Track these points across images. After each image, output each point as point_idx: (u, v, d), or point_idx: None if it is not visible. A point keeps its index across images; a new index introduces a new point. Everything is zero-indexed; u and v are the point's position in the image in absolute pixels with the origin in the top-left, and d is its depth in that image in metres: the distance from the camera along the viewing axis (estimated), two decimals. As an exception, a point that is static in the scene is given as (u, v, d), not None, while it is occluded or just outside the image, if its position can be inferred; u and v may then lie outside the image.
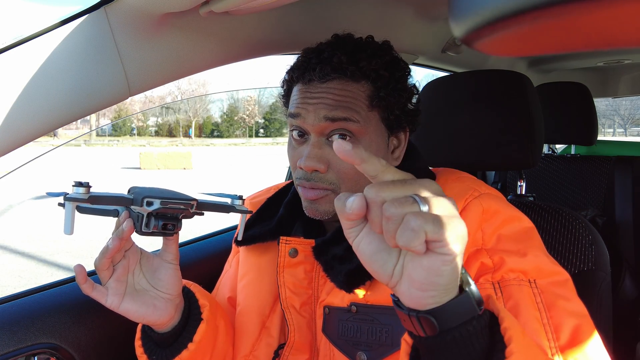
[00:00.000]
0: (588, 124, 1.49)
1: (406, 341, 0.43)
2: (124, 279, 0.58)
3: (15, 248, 4.94)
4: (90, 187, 0.51)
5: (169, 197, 0.53)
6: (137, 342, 0.65)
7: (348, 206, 0.37)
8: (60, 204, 0.51)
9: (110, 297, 0.57)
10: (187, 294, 0.65)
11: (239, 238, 0.66)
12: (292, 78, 0.65)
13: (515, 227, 0.58)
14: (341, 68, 0.60)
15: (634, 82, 2.38)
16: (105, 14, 0.59)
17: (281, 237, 0.66)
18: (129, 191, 0.57)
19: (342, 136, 0.61)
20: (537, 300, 0.52)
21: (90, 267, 0.61)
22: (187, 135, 50.07)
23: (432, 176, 0.67)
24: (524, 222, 0.60)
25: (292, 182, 0.77)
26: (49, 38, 0.55)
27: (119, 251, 0.56)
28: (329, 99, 0.60)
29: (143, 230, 0.54)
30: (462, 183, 0.63)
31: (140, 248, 0.61)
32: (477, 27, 0.23)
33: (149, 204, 0.52)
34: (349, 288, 0.58)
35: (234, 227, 1.22)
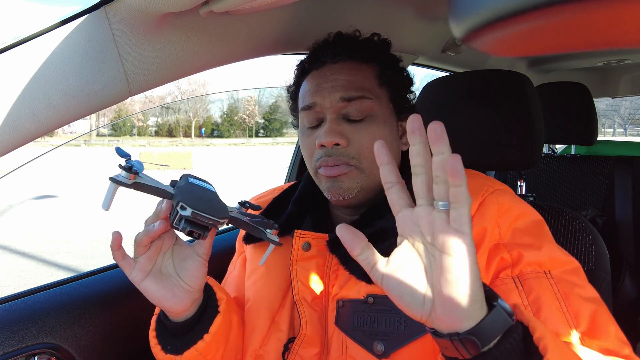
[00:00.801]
0: (588, 124, 1.49)
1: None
2: (154, 259, 0.59)
3: (15, 248, 4.94)
4: (137, 172, 0.52)
5: (202, 210, 0.53)
6: (152, 333, 0.65)
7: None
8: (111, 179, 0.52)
9: (135, 272, 0.58)
10: (205, 286, 0.66)
11: (260, 264, 0.67)
12: (304, 68, 0.70)
13: (527, 221, 0.60)
14: (352, 48, 0.66)
15: (634, 82, 2.38)
16: (105, 14, 0.59)
17: (295, 230, 0.67)
18: (181, 178, 0.59)
19: (358, 115, 0.64)
20: (554, 290, 0.54)
21: (89, 267, 0.61)
22: (199, 135, 49.97)
23: None
24: (535, 216, 0.62)
25: (298, 182, 0.79)
26: (49, 38, 0.55)
27: (162, 233, 0.58)
28: (343, 79, 0.65)
29: (173, 225, 0.55)
30: (475, 180, 0.64)
31: (177, 234, 0.61)
32: (477, 27, 0.23)
33: (182, 208, 0.52)
34: (370, 279, 0.59)
35: (234, 227, 1.22)
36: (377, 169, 0.59)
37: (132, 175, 0.52)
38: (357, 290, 0.61)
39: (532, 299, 0.53)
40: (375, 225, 0.62)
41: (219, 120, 53.46)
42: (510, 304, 0.42)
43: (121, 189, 0.53)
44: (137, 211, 7.15)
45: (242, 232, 0.79)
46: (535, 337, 0.40)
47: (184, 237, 0.58)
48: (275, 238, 0.63)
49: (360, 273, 0.59)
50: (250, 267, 0.75)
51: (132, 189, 0.53)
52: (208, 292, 0.65)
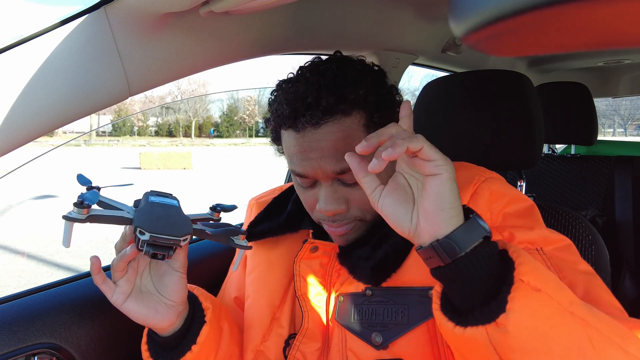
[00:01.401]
0: (588, 124, 1.49)
1: (436, 290, 0.48)
2: (133, 280, 0.60)
3: (15, 248, 4.94)
4: (89, 206, 0.53)
5: (160, 231, 0.53)
6: (144, 346, 0.66)
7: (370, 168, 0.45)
8: (64, 217, 0.52)
9: (116, 295, 0.59)
10: (190, 297, 0.66)
11: (234, 269, 0.68)
12: (281, 125, 0.62)
13: (518, 206, 0.62)
14: (331, 110, 0.57)
15: (633, 82, 2.38)
16: (105, 14, 0.59)
17: (308, 239, 0.68)
18: (143, 196, 0.58)
19: (352, 183, 0.61)
20: (547, 265, 0.55)
21: (89, 266, 0.61)
22: (208, 135, 49.84)
23: None
24: (526, 201, 0.63)
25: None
26: (49, 38, 0.55)
27: (134, 257, 0.59)
28: (330, 148, 0.58)
29: (138, 249, 0.56)
30: (467, 170, 0.66)
31: None
32: (477, 27, 0.23)
33: (141, 233, 0.53)
34: (376, 282, 0.60)
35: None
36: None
37: (85, 210, 0.52)
38: (356, 285, 0.62)
39: None
40: (380, 231, 0.63)
41: (219, 121, 53.48)
42: (496, 239, 0.47)
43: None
44: (137, 211, 7.15)
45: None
46: (511, 251, 0.44)
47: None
48: (244, 242, 0.62)
49: (366, 277, 0.60)
50: (250, 264, 0.75)
51: (88, 223, 0.53)
52: (194, 302, 0.66)
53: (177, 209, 0.58)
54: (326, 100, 0.57)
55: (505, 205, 0.61)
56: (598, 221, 1.41)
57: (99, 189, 0.58)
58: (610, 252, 0.83)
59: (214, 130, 50.94)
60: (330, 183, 0.61)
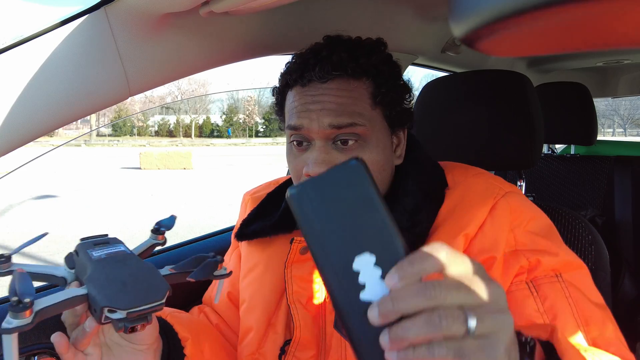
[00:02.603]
0: (587, 124, 1.49)
1: None
2: (99, 343, 0.51)
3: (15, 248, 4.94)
4: (32, 304, 0.39)
5: (138, 302, 0.41)
6: None
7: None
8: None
9: None
10: (164, 326, 0.60)
11: (216, 301, 0.60)
12: (288, 82, 0.62)
13: (541, 224, 0.60)
14: (342, 66, 0.58)
15: (633, 82, 2.38)
16: (105, 14, 0.59)
17: (295, 238, 0.65)
18: (77, 253, 0.46)
19: (345, 142, 0.58)
20: (566, 294, 0.54)
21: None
22: (227, 135, 49.46)
23: (440, 169, 0.67)
24: (546, 218, 0.61)
25: (289, 179, 0.78)
26: (49, 38, 0.55)
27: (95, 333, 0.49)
28: (332, 102, 0.58)
29: (103, 323, 0.42)
30: (484, 180, 0.63)
31: None
32: (477, 27, 0.23)
33: (112, 311, 0.40)
34: None
35: (233, 227, 1.22)
36: None
37: (28, 311, 0.38)
38: None
39: (548, 305, 0.54)
40: None
41: (219, 121, 53.50)
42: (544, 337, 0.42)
43: None
44: (136, 208, 7.15)
45: (235, 228, 0.77)
46: None
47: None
48: (223, 271, 0.51)
49: None
50: (246, 266, 0.73)
51: (35, 324, 0.39)
52: (170, 332, 0.60)
53: (132, 257, 0.46)
54: (338, 55, 0.58)
55: (528, 223, 0.59)
56: (598, 221, 1.41)
57: (9, 258, 0.43)
58: (610, 252, 0.83)
59: (231, 131, 50.33)
60: (323, 143, 0.58)
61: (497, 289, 0.32)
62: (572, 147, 2.00)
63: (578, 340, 0.52)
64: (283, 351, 0.64)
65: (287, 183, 0.77)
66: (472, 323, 0.29)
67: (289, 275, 0.64)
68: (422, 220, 0.58)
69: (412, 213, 0.59)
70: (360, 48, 0.61)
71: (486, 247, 0.57)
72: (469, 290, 0.31)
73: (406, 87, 0.65)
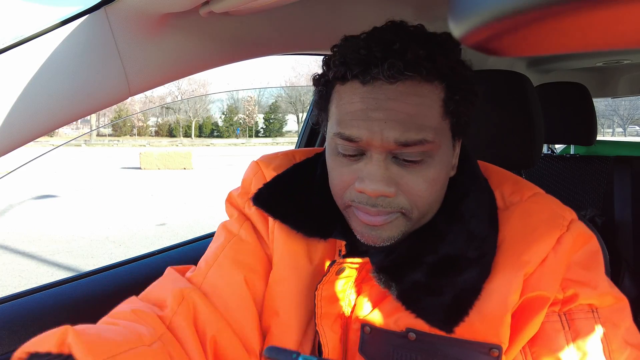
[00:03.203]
0: (587, 124, 1.49)
1: None
2: None
3: (15, 248, 4.94)
4: None
5: None
6: None
7: None
8: None
9: None
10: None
11: None
12: (346, 74, 0.49)
13: (587, 252, 0.52)
14: (417, 66, 0.47)
15: (633, 82, 2.38)
16: (105, 14, 0.59)
17: (337, 260, 0.55)
18: None
19: (410, 161, 0.49)
20: (599, 332, 0.50)
21: (89, 266, 0.60)
22: (236, 135, 49.20)
23: (489, 185, 0.58)
24: (594, 245, 0.53)
25: (314, 157, 0.65)
26: (49, 38, 0.55)
27: None
28: (401, 112, 0.47)
29: None
30: (545, 205, 0.54)
31: None
32: (477, 27, 0.23)
33: None
34: (450, 328, 0.48)
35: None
36: (427, 213, 0.52)
37: None
38: (394, 318, 0.52)
39: (579, 343, 0.49)
40: (438, 251, 0.51)
41: (219, 121, 53.49)
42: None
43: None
44: (136, 208, 7.15)
45: (240, 194, 0.65)
46: None
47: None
48: None
49: (438, 320, 0.49)
50: (282, 271, 0.59)
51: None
52: None
53: None
54: (414, 52, 0.46)
55: (576, 251, 0.52)
56: (597, 221, 1.41)
57: None
58: (610, 252, 0.83)
59: (240, 130, 49.89)
60: (384, 157, 0.49)
61: None
62: (572, 147, 2.00)
63: None
64: None
65: (309, 163, 0.64)
66: None
67: (319, 297, 0.55)
68: (489, 251, 0.51)
69: (480, 240, 0.51)
70: (436, 44, 0.49)
71: (542, 285, 0.50)
72: None
73: (476, 94, 0.54)
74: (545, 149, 2.22)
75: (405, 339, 0.50)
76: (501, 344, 0.48)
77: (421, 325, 0.50)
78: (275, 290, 0.59)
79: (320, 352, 0.56)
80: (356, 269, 0.55)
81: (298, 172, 0.62)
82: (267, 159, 0.66)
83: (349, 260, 0.54)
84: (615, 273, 1.36)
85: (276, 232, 0.60)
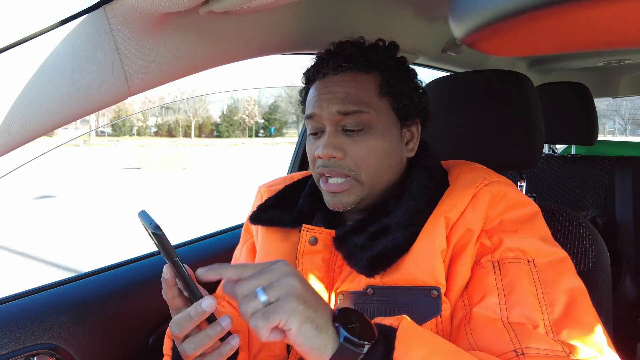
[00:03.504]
0: (588, 124, 1.49)
1: None
2: None
3: (15, 248, 4.94)
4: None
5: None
6: (168, 349, 0.64)
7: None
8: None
9: None
10: None
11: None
12: (309, 77, 0.71)
13: (519, 212, 0.61)
14: (352, 59, 0.66)
15: (634, 82, 2.38)
16: (104, 14, 0.59)
17: (303, 225, 0.68)
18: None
19: (355, 127, 0.64)
20: (534, 278, 0.55)
21: (88, 267, 0.60)
22: (270, 133, 48.92)
23: (445, 175, 0.70)
24: (530, 208, 0.62)
25: (309, 175, 0.81)
26: (48, 38, 0.55)
27: None
28: (341, 92, 0.65)
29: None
30: (473, 173, 0.66)
31: None
32: (478, 27, 0.23)
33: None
34: (371, 273, 0.60)
35: (236, 227, 1.22)
36: (376, 179, 0.66)
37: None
38: (357, 282, 0.62)
39: (507, 281, 0.55)
40: (381, 222, 0.64)
41: (219, 121, 53.48)
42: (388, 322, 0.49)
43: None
44: (136, 207, 7.14)
45: (247, 218, 0.80)
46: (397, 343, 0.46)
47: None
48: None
49: (361, 267, 0.61)
50: (261, 256, 0.74)
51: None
52: None
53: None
54: (349, 50, 0.67)
55: (505, 210, 0.61)
56: (598, 221, 1.41)
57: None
58: (611, 252, 0.83)
59: (273, 128, 48.89)
60: (333, 129, 0.65)
61: (278, 268, 0.48)
62: (573, 147, 2.00)
63: (533, 319, 0.51)
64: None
65: (303, 181, 0.80)
66: (263, 297, 0.45)
67: (300, 268, 0.66)
68: (418, 221, 0.62)
69: (412, 214, 0.63)
70: (370, 47, 0.69)
71: (464, 230, 0.60)
72: (259, 278, 0.47)
73: (414, 82, 0.70)
74: (546, 149, 2.22)
75: (366, 295, 0.62)
76: (439, 286, 0.58)
77: (375, 281, 0.61)
78: None
79: None
80: (329, 244, 0.67)
81: (286, 189, 0.79)
82: (267, 184, 0.83)
83: (314, 228, 0.68)
84: (616, 274, 1.36)
85: (259, 232, 0.76)
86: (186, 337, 0.52)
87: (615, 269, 1.33)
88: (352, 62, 0.66)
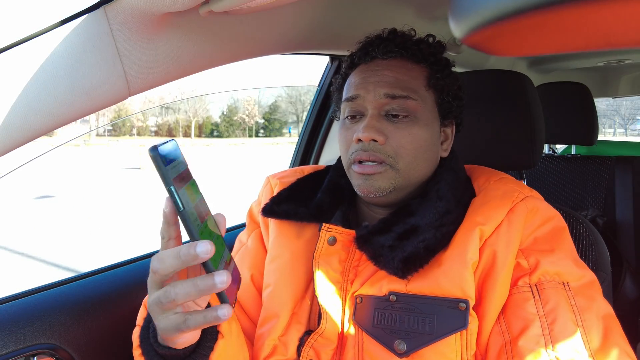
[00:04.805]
0: (588, 123, 1.49)
1: None
2: None
3: (16, 248, 4.94)
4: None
5: None
6: (137, 351, 0.55)
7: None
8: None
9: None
10: None
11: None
12: (354, 60, 0.69)
13: (549, 227, 0.60)
14: (404, 46, 0.65)
15: (634, 82, 2.38)
16: (104, 14, 0.59)
17: (324, 224, 0.65)
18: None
19: (400, 114, 0.63)
20: (571, 303, 0.54)
21: (88, 267, 0.60)
22: (289, 133, 48.59)
23: (469, 181, 0.69)
24: (557, 221, 0.61)
25: (325, 169, 0.79)
26: (48, 38, 0.55)
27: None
28: (391, 76, 0.64)
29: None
30: (505, 184, 0.65)
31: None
32: (477, 27, 0.23)
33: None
34: (404, 274, 0.58)
35: (236, 227, 1.22)
36: (412, 170, 0.64)
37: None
38: (378, 287, 0.60)
39: (548, 309, 0.53)
40: (407, 223, 0.62)
41: (219, 121, 53.48)
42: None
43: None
44: (136, 208, 7.15)
45: (256, 205, 0.78)
46: None
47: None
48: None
49: (393, 267, 0.58)
50: (274, 251, 0.70)
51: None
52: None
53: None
54: (401, 38, 0.66)
55: (538, 226, 0.60)
56: (599, 221, 1.41)
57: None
58: (611, 252, 0.83)
59: (290, 128, 48.37)
60: (376, 113, 0.63)
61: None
62: (573, 147, 2.00)
63: (578, 348, 0.50)
64: (302, 342, 0.63)
65: (319, 175, 0.77)
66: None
67: (316, 268, 0.64)
68: (449, 222, 0.61)
69: (443, 215, 0.61)
70: (420, 40, 0.69)
71: (498, 246, 0.58)
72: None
73: (458, 84, 0.70)
74: (546, 149, 2.22)
75: (387, 301, 0.59)
76: (467, 299, 0.56)
77: (400, 288, 0.59)
78: (268, 269, 0.70)
79: (319, 322, 0.63)
80: (348, 244, 0.64)
81: (300, 182, 0.75)
82: (276, 175, 0.79)
83: (334, 228, 0.64)
84: (616, 273, 1.36)
85: (271, 225, 0.73)
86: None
87: (616, 268, 1.34)
88: (404, 49, 0.65)
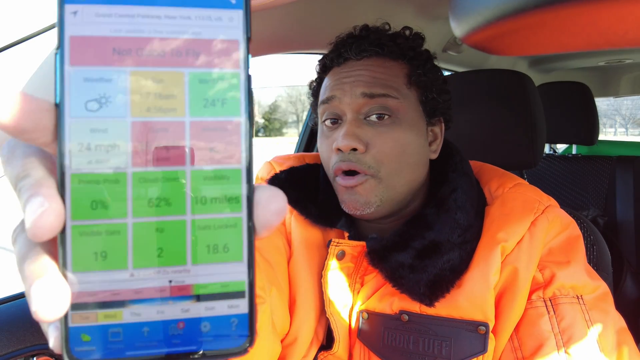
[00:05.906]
0: (589, 123, 1.49)
1: None
2: None
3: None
4: None
5: None
6: None
7: None
8: None
9: None
10: None
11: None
12: (326, 63, 0.62)
13: (564, 235, 0.56)
14: (379, 43, 0.58)
15: (635, 81, 2.38)
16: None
17: (333, 240, 0.59)
18: None
19: (381, 115, 0.56)
20: (586, 318, 0.51)
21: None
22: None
23: (479, 184, 0.64)
24: (573, 229, 0.57)
25: (320, 164, 0.70)
26: (47, 37, 0.55)
27: None
28: (366, 75, 0.57)
29: None
30: (523, 193, 0.59)
31: None
32: (478, 26, 0.23)
33: None
34: (431, 301, 0.53)
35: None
36: (397, 177, 0.57)
37: None
38: (388, 304, 0.55)
39: (564, 326, 0.51)
40: (426, 238, 0.56)
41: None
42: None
43: None
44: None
45: (264, 178, 0.69)
46: None
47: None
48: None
49: (419, 294, 0.53)
50: (298, 256, 0.62)
51: None
52: None
53: None
54: (375, 35, 0.59)
55: (554, 236, 0.56)
56: (599, 221, 1.41)
57: None
58: (612, 252, 0.83)
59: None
60: (354, 117, 0.56)
61: None
62: (574, 147, 1.99)
63: None
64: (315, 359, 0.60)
65: (315, 165, 0.69)
66: None
67: (324, 285, 0.58)
68: (472, 239, 0.55)
69: (464, 229, 0.55)
70: (397, 34, 0.61)
71: (519, 263, 0.53)
72: None
73: (443, 78, 0.63)
74: (547, 149, 2.22)
75: (398, 321, 0.54)
76: (488, 322, 0.52)
77: (413, 307, 0.54)
78: (293, 280, 0.62)
79: (331, 340, 0.58)
80: (356, 255, 0.59)
81: (309, 170, 0.68)
82: (280, 158, 0.72)
83: (344, 241, 0.59)
84: (617, 273, 1.36)
85: (293, 224, 0.64)
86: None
87: (616, 268, 1.33)
88: (379, 47, 0.58)
